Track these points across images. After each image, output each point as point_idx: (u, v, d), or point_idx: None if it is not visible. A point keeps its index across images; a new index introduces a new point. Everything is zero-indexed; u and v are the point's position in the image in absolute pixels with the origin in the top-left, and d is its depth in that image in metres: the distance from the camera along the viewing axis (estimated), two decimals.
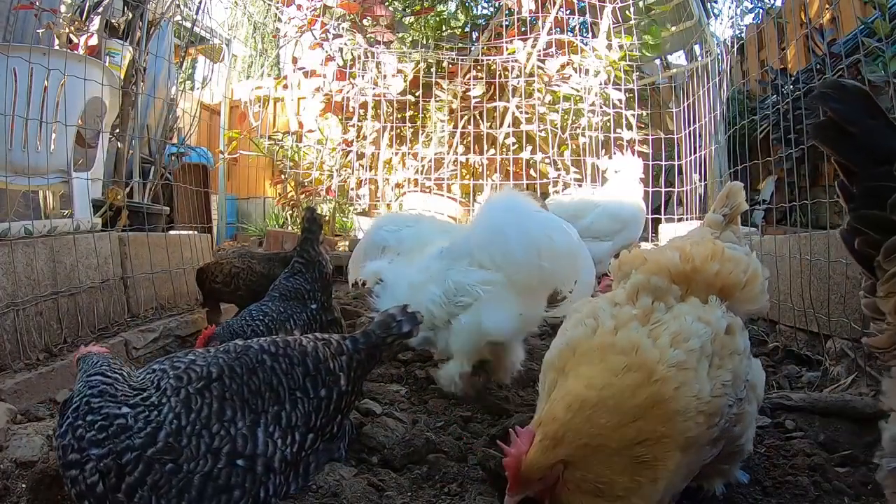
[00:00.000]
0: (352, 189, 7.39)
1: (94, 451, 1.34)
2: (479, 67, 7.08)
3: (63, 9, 5.03)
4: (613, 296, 1.60)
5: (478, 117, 7.04)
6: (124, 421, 1.38)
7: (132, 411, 1.41)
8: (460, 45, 7.92)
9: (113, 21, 5.00)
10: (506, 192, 2.57)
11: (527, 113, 6.82)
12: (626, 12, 6.90)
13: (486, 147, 7.03)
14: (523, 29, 7.29)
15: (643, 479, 1.29)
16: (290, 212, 7.74)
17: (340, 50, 7.41)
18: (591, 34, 6.97)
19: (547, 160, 6.70)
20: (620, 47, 6.77)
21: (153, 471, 1.36)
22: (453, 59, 7.17)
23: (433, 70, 7.13)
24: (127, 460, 1.34)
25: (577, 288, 2.31)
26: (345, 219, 7.85)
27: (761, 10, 10.08)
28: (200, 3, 5.81)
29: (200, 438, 1.43)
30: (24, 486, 1.70)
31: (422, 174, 7.04)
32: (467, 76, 7.06)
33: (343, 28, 7.32)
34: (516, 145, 6.95)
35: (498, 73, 6.78)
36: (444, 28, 9.32)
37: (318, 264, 2.90)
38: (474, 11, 9.60)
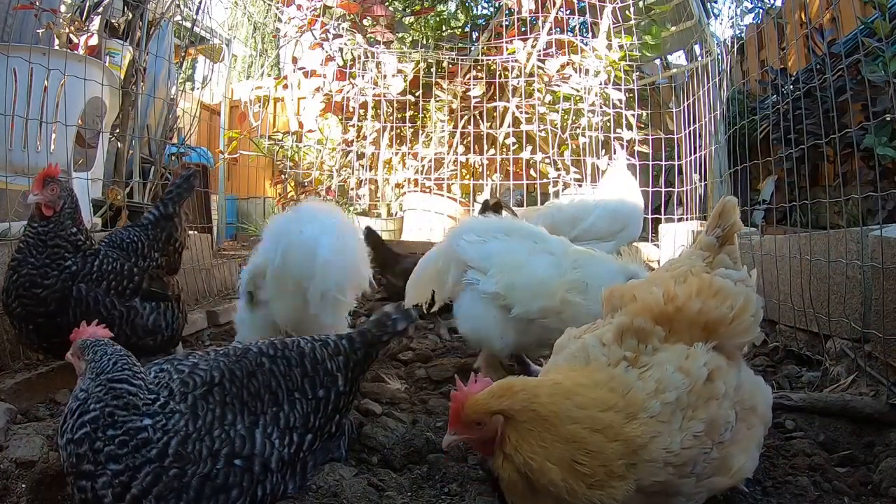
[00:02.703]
0: (352, 189, 7.38)
1: (111, 466, 1.33)
2: (479, 67, 7.08)
3: (63, 9, 5.02)
4: (601, 335, 1.62)
5: (478, 117, 7.04)
6: (146, 434, 1.37)
7: (152, 422, 1.39)
8: (460, 45, 7.91)
9: (113, 21, 5.00)
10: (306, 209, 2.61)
11: (527, 113, 6.81)
12: (626, 12, 6.90)
13: (486, 147, 7.02)
14: (523, 29, 7.28)
15: (576, 487, 1.30)
16: None
17: (340, 50, 7.41)
18: (591, 34, 6.96)
19: (547, 160, 6.70)
20: (620, 47, 6.77)
21: (161, 481, 1.35)
22: (453, 59, 7.17)
23: (433, 70, 7.12)
24: (144, 474, 1.34)
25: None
26: None
27: (761, 10, 10.10)
28: (200, 3, 5.81)
29: (203, 443, 1.43)
30: (24, 486, 1.70)
31: (422, 174, 7.03)
32: (467, 76, 7.06)
33: (343, 28, 7.32)
34: (516, 145, 6.95)
35: (498, 73, 6.78)
36: (444, 28, 9.31)
37: (171, 226, 2.70)
38: (474, 11, 9.60)
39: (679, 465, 1.32)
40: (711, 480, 1.41)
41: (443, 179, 6.91)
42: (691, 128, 6.01)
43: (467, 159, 7.15)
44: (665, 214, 6.18)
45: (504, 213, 3.81)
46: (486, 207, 3.89)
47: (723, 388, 1.45)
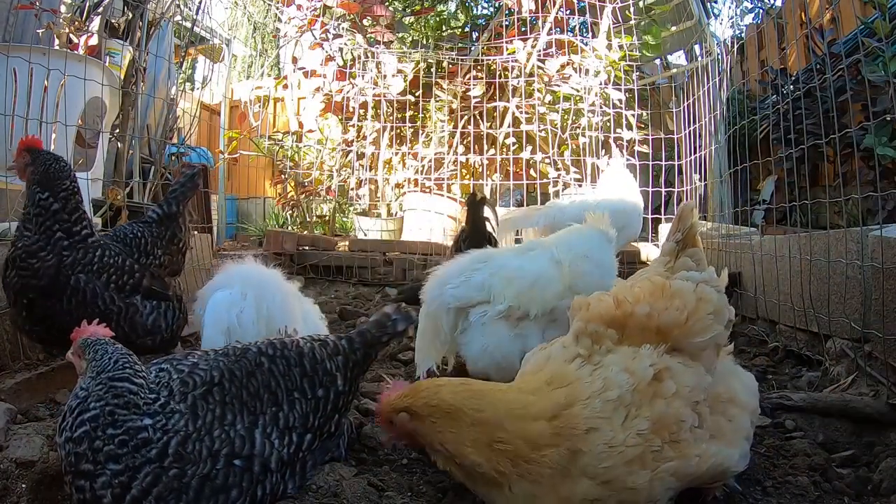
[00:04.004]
0: (352, 189, 7.39)
1: (111, 466, 1.32)
2: (479, 67, 7.08)
3: (63, 9, 5.03)
4: (563, 340, 1.67)
5: (478, 117, 7.04)
6: (146, 434, 1.36)
7: (152, 421, 1.38)
8: (460, 45, 7.91)
9: (113, 21, 5.01)
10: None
11: (527, 113, 6.81)
12: (626, 12, 6.89)
13: (486, 147, 7.02)
14: (523, 29, 7.28)
15: (504, 470, 1.37)
16: (291, 212, 7.75)
17: (340, 50, 7.41)
18: (591, 34, 6.96)
19: (547, 160, 6.69)
20: (620, 47, 6.76)
21: (160, 481, 1.35)
22: (453, 59, 7.16)
23: (433, 70, 7.12)
24: (144, 474, 1.33)
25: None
26: (345, 219, 7.86)
27: (761, 10, 10.11)
28: (200, 3, 5.82)
29: (203, 443, 1.43)
30: (24, 486, 1.69)
31: (422, 174, 7.03)
32: (467, 76, 7.05)
33: (343, 28, 7.32)
34: (516, 145, 6.94)
35: (498, 73, 6.77)
36: (444, 28, 9.31)
37: (174, 225, 2.67)
38: (474, 11, 9.60)
39: (628, 462, 1.35)
40: (675, 467, 1.40)
41: (443, 179, 6.90)
42: (691, 128, 6.00)
43: (467, 159, 7.14)
44: (665, 214, 6.18)
45: (488, 209, 3.80)
46: (471, 202, 3.85)
47: (673, 388, 1.46)
